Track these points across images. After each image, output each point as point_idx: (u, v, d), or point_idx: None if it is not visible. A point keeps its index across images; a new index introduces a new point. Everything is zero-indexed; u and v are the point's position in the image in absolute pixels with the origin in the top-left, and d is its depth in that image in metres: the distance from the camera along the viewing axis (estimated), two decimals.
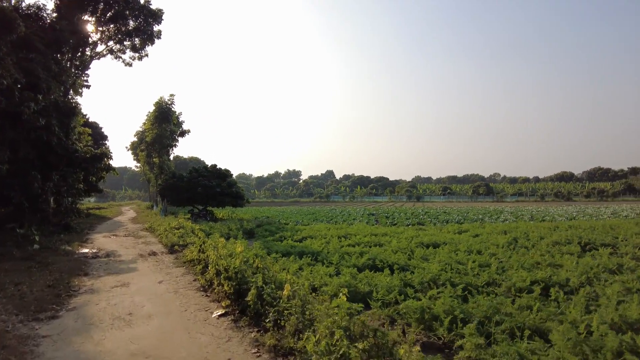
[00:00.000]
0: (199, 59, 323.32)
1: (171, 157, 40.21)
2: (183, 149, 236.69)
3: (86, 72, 26.70)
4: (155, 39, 29.27)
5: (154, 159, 37.75)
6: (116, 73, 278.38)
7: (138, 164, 61.17)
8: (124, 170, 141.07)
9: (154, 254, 13.73)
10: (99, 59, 27.84)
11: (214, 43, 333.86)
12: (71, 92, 23.47)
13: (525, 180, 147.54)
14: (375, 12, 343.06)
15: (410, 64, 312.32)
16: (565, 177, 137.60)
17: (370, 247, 15.12)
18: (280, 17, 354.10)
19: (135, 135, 47.92)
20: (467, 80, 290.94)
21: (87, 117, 38.23)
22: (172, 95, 37.39)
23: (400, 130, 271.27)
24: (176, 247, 14.33)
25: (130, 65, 29.60)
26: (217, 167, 34.42)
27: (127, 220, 32.70)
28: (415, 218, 35.53)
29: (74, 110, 19.30)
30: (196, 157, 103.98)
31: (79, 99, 26.01)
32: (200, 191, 31.14)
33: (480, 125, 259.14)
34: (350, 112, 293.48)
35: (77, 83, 25.18)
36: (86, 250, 14.35)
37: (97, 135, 37.98)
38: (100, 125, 43.38)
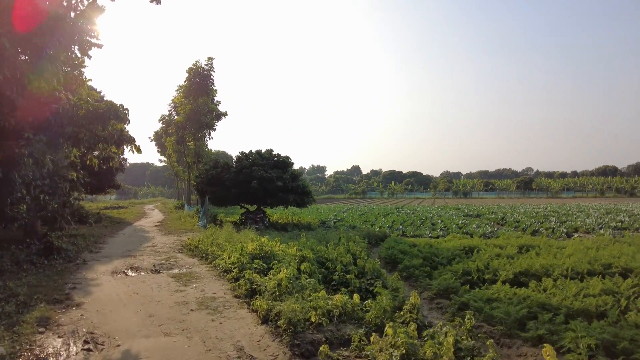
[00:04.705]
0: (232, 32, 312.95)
1: (208, 144, 30.70)
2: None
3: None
4: None
5: (188, 143, 28.21)
6: (136, 43, 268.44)
7: (163, 158, 52.08)
8: (146, 166, 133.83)
9: None
10: None
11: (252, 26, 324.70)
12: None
13: (563, 175, 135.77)
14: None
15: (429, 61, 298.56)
16: (608, 171, 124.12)
17: None
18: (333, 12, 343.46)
19: (160, 121, 38.20)
20: (472, 80, 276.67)
21: (101, 94, 29.21)
22: (210, 59, 27.72)
23: (425, 125, 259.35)
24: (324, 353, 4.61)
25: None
26: (273, 152, 24.61)
27: (153, 226, 23.37)
28: (537, 220, 25.60)
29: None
30: (223, 151, 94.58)
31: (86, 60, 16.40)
32: (256, 186, 21.46)
33: (506, 120, 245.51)
34: (372, 108, 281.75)
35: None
36: None
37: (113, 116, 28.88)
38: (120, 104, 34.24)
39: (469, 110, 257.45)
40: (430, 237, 19.21)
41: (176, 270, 9.74)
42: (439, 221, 26.55)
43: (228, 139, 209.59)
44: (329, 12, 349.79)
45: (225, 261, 9.44)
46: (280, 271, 7.42)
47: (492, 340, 4.97)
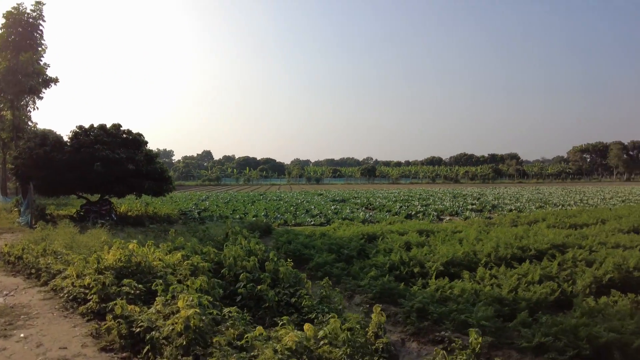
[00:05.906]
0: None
1: (32, 116, 24.16)
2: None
3: None
4: None
5: (4, 113, 21.52)
6: None
7: None
8: None
9: None
10: None
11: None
12: None
13: (398, 164, 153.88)
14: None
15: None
16: (434, 161, 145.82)
17: None
18: None
19: None
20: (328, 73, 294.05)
21: None
22: (38, 3, 21.43)
23: (275, 113, 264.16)
24: None
25: None
26: (122, 128, 20.15)
27: None
28: (402, 204, 26.84)
29: None
30: (51, 130, 79.99)
31: None
32: (100, 169, 17.16)
33: (346, 114, 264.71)
34: (221, 93, 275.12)
35: None
36: None
37: None
38: None
39: (311, 103, 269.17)
40: (314, 225, 17.82)
41: None
42: (312, 207, 25.51)
43: (57, 117, 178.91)
44: None
45: (74, 282, 6.21)
46: (176, 298, 4.73)
47: None
